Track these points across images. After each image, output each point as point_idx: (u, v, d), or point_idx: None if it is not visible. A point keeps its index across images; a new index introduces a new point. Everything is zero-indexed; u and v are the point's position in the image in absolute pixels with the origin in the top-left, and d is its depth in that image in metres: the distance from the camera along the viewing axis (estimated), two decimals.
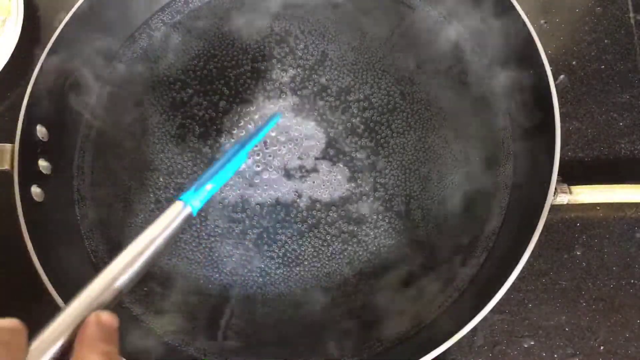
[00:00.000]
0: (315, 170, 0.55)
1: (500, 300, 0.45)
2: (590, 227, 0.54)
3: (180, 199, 0.37)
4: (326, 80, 0.58)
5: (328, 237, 0.53)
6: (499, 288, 0.45)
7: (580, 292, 0.52)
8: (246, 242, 0.53)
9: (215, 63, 0.60)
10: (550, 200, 0.47)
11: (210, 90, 0.59)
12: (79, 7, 0.55)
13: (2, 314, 0.56)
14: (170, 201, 0.55)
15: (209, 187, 0.38)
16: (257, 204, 0.54)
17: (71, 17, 0.55)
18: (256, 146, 0.56)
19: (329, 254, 0.53)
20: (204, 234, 0.54)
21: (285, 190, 0.55)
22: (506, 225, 0.52)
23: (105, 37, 0.60)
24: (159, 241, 0.35)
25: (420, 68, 0.58)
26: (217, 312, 0.52)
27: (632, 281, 0.53)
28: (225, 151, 0.43)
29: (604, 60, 0.60)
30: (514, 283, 0.45)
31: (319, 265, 0.53)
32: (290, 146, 0.56)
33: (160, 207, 0.55)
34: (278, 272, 0.52)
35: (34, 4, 0.65)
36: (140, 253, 0.34)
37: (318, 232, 0.53)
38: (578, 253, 0.54)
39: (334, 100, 0.57)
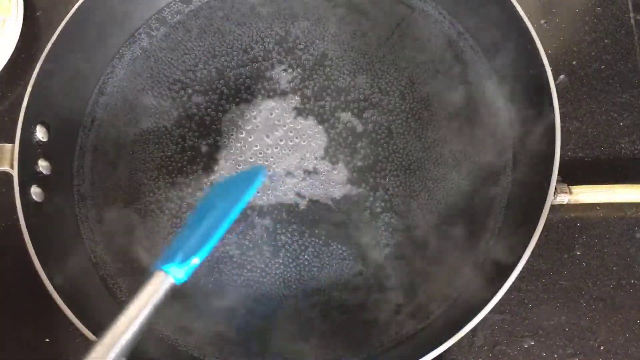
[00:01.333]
0: (315, 170, 0.55)
1: (500, 300, 0.45)
2: (590, 227, 0.54)
3: (163, 269, 0.36)
4: (326, 80, 0.58)
5: (328, 238, 0.53)
6: (499, 288, 0.45)
7: (580, 292, 0.52)
8: (246, 242, 0.53)
9: (215, 63, 0.60)
10: (550, 200, 0.47)
11: (210, 90, 0.59)
12: (78, 7, 0.55)
13: (1, 313, 0.57)
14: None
15: (195, 260, 0.37)
16: (258, 204, 0.54)
17: (71, 17, 0.55)
18: (256, 146, 0.56)
19: (329, 254, 0.53)
20: None
21: (285, 190, 0.55)
22: (506, 225, 0.52)
23: (105, 37, 0.60)
24: (140, 319, 0.35)
25: (420, 68, 0.58)
26: (217, 312, 0.52)
27: (632, 281, 0.53)
28: (206, 210, 0.42)
29: (604, 60, 0.60)
30: (514, 283, 0.45)
31: (319, 265, 0.52)
32: (290, 146, 0.56)
33: (160, 206, 0.55)
34: (278, 272, 0.52)
35: (34, 4, 0.65)
36: (123, 332, 0.34)
37: (318, 232, 0.53)
38: (578, 253, 0.54)
39: (334, 100, 0.57)
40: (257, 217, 0.54)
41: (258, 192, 0.55)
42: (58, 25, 0.55)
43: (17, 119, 0.51)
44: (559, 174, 0.48)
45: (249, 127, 0.57)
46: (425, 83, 0.57)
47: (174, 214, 0.55)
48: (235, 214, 0.41)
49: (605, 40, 0.60)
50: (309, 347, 0.50)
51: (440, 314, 0.51)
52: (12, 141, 0.51)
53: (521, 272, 0.45)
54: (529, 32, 0.51)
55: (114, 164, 0.57)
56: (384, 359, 0.50)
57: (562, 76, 0.59)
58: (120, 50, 0.61)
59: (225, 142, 0.57)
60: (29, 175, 0.51)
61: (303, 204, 0.54)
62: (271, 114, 0.57)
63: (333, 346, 0.50)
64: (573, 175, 0.52)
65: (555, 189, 0.48)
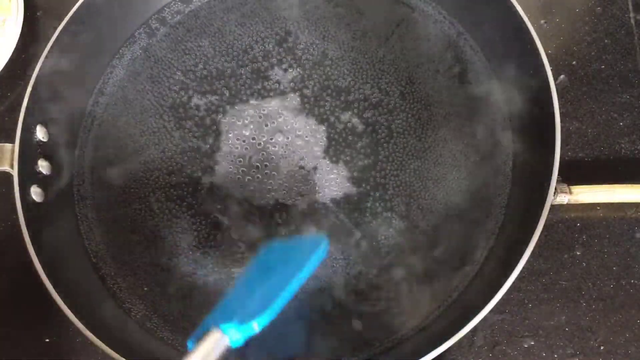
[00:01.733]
0: (315, 170, 0.55)
1: (500, 300, 0.45)
2: (590, 227, 0.54)
3: (220, 328, 0.34)
4: (326, 80, 0.58)
5: (328, 238, 0.53)
6: (499, 288, 0.45)
7: (580, 292, 0.52)
8: (247, 243, 0.53)
9: (215, 63, 0.60)
10: (550, 200, 0.47)
11: (210, 91, 0.59)
12: (79, 7, 0.55)
13: (1, 314, 0.57)
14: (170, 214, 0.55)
15: (255, 325, 0.34)
16: (258, 204, 0.54)
17: (71, 17, 0.55)
18: (257, 146, 0.56)
19: (329, 254, 0.53)
20: (204, 234, 0.54)
21: (285, 190, 0.55)
22: (506, 225, 0.52)
23: (105, 37, 0.60)
24: None
25: (420, 68, 0.58)
26: None
27: (632, 281, 0.53)
28: (264, 271, 0.39)
29: (604, 60, 0.60)
30: (514, 283, 0.45)
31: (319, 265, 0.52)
32: (290, 146, 0.56)
33: (160, 207, 0.55)
34: None
35: (34, 4, 0.65)
36: None
37: (318, 232, 0.53)
38: (578, 253, 0.54)
39: (334, 100, 0.57)
40: (257, 218, 0.54)
41: (259, 191, 0.55)
42: (58, 25, 0.55)
43: (17, 119, 0.51)
44: (559, 174, 0.48)
45: (249, 127, 0.57)
46: (425, 83, 0.57)
47: (174, 214, 0.55)
48: (298, 283, 0.38)
49: (605, 40, 0.60)
50: (310, 347, 0.50)
51: (440, 314, 0.51)
52: (12, 141, 0.51)
53: (521, 272, 0.45)
54: (529, 32, 0.51)
55: (114, 164, 0.57)
56: (384, 358, 0.50)
57: (562, 76, 0.59)
58: (120, 50, 0.61)
59: (225, 142, 0.57)
60: (29, 175, 0.51)
61: (303, 204, 0.54)
62: (271, 114, 0.57)
63: (333, 346, 0.50)
64: (573, 175, 0.51)
65: (555, 189, 0.48)
